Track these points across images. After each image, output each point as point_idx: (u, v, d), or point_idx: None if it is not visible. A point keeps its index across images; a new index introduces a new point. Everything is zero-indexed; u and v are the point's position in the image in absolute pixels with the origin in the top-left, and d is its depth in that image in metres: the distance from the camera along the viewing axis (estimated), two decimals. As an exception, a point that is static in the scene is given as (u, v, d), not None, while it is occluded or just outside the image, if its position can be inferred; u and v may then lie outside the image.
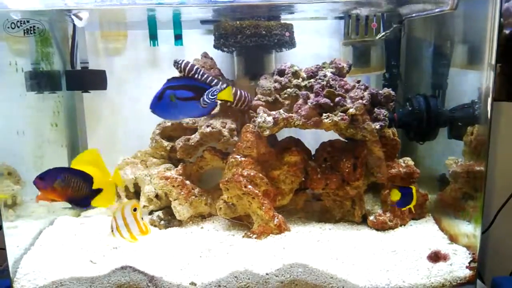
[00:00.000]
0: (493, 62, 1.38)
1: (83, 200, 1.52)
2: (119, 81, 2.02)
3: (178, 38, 1.97)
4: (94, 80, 1.96)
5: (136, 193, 1.95)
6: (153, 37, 1.96)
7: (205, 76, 1.78)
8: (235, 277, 1.38)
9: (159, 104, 1.55)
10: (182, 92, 1.57)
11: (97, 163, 1.47)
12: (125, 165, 1.95)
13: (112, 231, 1.47)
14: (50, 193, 1.47)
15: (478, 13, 1.45)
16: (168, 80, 1.57)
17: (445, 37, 1.79)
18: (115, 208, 1.52)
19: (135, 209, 1.50)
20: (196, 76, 1.76)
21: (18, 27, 1.46)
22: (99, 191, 1.51)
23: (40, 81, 1.82)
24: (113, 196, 1.48)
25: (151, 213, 1.88)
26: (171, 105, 1.55)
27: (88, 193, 1.50)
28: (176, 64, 1.78)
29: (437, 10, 1.70)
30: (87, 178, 1.49)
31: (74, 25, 1.92)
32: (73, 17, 1.68)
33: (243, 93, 1.80)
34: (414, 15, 1.87)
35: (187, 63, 1.78)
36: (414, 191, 1.61)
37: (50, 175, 1.47)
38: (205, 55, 1.97)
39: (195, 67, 1.78)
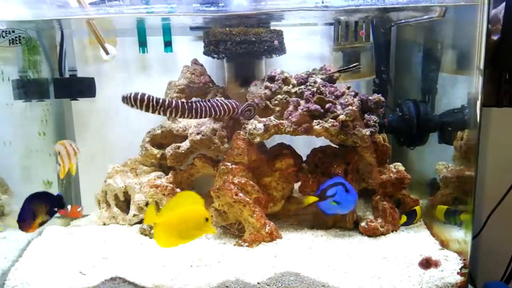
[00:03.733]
0: (482, 67, 1.39)
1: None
2: (108, 89, 2.00)
3: (167, 45, 1.96)
4: (83, 87, 1.94)
5: (126, 202, 1.93)
6: (143, 44, 1.95)
7: (157, 99, 1.60)
8: (226, 286, 1.37)
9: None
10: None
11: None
12: (115, 174, 1.93)
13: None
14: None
15: (467, 20, 1.46)
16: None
17: (435, 43, 1.79)
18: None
19: None
20: (150, 104, 1.57)
21: (3, 37, 1.45)
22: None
23: (28, 89, 1.81)
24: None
25: (141, 221, 1.86)
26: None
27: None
28: (125, 99, 1.57)
29: (425, 17, 1.71)
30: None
31: (62, 33, 1.91)
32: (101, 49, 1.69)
33: (230, 105, 1.76)
34: (403, 21, 1.87)
35: (136, 94, 1.56)
36: (418, 209, 1.77)
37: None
38: (195, 61, 1.96)
39: (146, 95, 1.57)
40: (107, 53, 1.77)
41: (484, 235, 1.82)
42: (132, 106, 1.57)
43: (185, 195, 1.36)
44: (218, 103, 1.73)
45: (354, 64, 1.77)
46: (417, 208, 1.77)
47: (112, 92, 2.01)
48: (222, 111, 1.72)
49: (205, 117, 1.72)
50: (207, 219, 1.31)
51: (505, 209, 1.76)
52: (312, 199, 1.62)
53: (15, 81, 1.76)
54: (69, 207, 1.84)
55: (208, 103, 1.71)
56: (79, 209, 1.73)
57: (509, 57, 1.48)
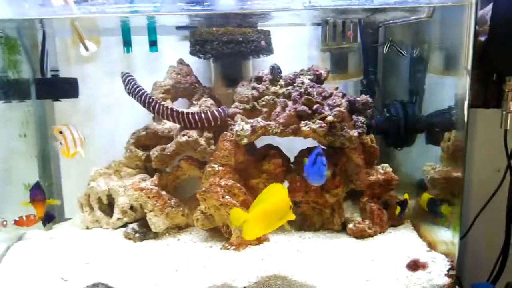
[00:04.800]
0: (469, 68, 1.38)
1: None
2: (91, 89, 1.96)
3: (153, 44, 1.92)
4: (65, 88, 1.90)
5: (109, 205, 1.89)
6: (127, 43, 1.91)
7: (135, 86, 1.76)
8: (212, 291, 1.35)
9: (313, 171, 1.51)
10: None
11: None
12: (98, 176, 1.88)
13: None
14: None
15: (454, 20, 1.45)
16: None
17: (422, 44, 1.79)
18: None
19: None
20: (127, 86, 1.76)
21: (-21, 36, 1.41)
22: None
23: (8, 90, 1.76)
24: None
25: (125, 225, 1.82)
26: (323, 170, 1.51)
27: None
28: (121, 74, 1.81)
29: (413, 17, 1.71)
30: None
31: (44, 32, 1.86)
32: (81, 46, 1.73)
33: (216, 114, 1.75)
34: (391, 22, 1.87)
35: (124, 74, 1.79)
36: (406, 196, 1.73)
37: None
38: (181, 61, 1.93)
39: (128, 78, 1.78)
40: (86, 49, 1.73)
41: (470, 236, 1.82)
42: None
43: (272, 188, 1.39)
44: (194, 116, 1.73)
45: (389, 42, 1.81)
46: (405, 195, 1.75)
47: (95, 92, 1.97)
48: (194, 124, 1.74)
49: (173, 122, 1.79)
50: (291, 207, 1.38)
51: (491, 210, 1.76)
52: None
53: (-6, 81, 1.71)
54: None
55: (181, 114, 1.73)
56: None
57: (496, 58, 1.48)
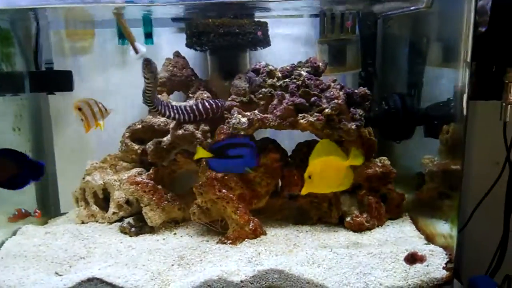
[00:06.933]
0: (469, 60, 1.36)
1: (12, 182, 1.42)
2: (86, 82, 1.93)
3: (148, 36, 1.90)
4: (60, 81, 1.88)
5: (105, 199, 1.88)
6: (122, 35, 1.89)
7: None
8: (209, 285, 1.33)
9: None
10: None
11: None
12: (93, 170, 1.87)
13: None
14: None
15: (454, 11, 1.43)
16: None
17: (421, 36, 1.77)
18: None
19: None
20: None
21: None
22: (36, 167, 1.43)
23: (1, 83, 1.74)
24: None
25: (121, 219, 1.81)
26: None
27: (17, 173, 1.39)
28: (148, 63, 1.54)
29: (412, 8, 1.69)
30: (13, 156, 1.39)
31: (38, 24, 1.84)
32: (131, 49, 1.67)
33: (211, 104, 1.75)
34: (389, 13, 1.85)
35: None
36: None
37: None
38: (177, 54, 1.91)
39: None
40: (136, 52, 1.69)
41: (469, 228, 1.81)
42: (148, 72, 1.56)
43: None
44: (187, 108, 1.72)
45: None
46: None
47: (90, 85, 1.95)
48: (186, 117, 1.73)
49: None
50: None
51: (490, 203, 1.75)
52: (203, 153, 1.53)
53: (-14, 74, 1.69)
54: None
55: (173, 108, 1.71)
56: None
57: (496, 50, 1.46)
